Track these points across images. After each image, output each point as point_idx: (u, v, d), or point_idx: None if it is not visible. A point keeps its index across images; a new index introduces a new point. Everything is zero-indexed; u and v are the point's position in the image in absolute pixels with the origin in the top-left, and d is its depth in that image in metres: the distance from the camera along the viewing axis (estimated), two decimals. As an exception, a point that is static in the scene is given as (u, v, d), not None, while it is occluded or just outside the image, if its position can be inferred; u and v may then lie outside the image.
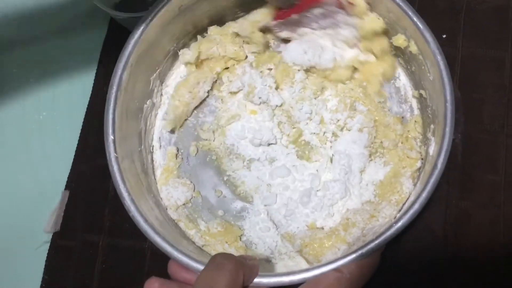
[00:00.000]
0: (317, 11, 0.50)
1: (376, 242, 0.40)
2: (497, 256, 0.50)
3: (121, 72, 0.48)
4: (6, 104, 0.62)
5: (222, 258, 0.38)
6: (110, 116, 0.47)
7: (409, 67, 0.52)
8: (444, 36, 0.57)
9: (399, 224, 0.40)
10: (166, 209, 0.52)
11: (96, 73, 0.60)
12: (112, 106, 0.48)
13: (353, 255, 0.40)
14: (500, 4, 0.57)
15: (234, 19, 0.56)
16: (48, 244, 0.56)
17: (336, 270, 0.40)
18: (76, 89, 0.60)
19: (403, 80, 0.54)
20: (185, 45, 0.57)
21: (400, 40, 0.49)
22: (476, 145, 0.53)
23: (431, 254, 0.51)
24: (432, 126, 0.47)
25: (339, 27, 0.51)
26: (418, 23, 0.45)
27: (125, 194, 0.45)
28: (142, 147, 0.53)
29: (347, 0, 0.48)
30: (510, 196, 0.52)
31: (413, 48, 0.48)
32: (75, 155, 0.58)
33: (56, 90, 0.62)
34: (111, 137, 0.47)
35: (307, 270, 0.40)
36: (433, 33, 0.55)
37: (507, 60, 0.55)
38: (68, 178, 0.57)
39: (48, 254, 0.55)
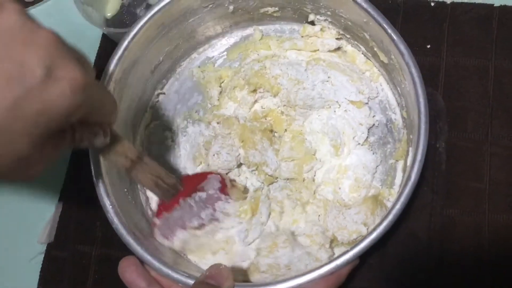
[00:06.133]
0: (199, 196, 0.48)
1: (348, 255, 0.39)
2: (482, 263, 0.50)
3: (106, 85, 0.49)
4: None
5: None
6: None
7: (391, 79, 0.53)
8: (428, 46, 0.57)
9: (373, 236, 0.40)
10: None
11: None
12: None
13: (325, 268, 0.39)
14: (484, 13, 0.57)
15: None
16: (43, 255, 0.57)
17: None
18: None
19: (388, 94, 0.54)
20: (176, 58, 0.58)
21: None
22: (461, 153, 0.54)
23: (416, 262, 0.51)
24: (410, 136, 0.47)
25: (218, 220, 0.49)
26: (393, 35, 0.45)
27: (109, 207, 0.45)
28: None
29: (231, 182, 0.50)
30: (495, 203, 0.52)
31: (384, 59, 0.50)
32: (68, 168, 0.59)
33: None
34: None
35: (283, 281, 0.40)
36: (417, 43, 0.56)
37: (490, 69, 0.55)
38: (61, 190, 0.59)
39: (42, 265, 0.56)
